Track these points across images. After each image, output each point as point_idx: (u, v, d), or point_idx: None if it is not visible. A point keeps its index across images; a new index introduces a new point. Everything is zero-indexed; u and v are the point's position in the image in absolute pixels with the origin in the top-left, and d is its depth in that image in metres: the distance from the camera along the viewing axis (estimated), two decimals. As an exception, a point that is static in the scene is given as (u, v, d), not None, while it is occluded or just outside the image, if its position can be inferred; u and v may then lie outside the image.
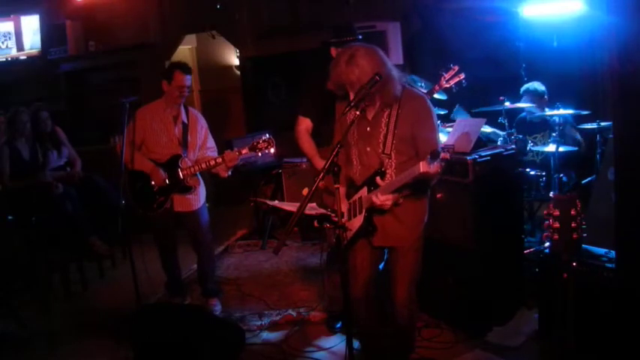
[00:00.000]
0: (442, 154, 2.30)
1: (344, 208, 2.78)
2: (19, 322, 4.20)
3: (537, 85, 4.75)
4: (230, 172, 3.99)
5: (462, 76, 3.99)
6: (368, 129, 2.73)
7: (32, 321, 4.25)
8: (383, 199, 2.56)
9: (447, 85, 4.01)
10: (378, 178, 2.64)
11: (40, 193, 5.14)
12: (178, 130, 4.02)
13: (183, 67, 3.95)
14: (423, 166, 2.35)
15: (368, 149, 2.73)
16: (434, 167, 2.31)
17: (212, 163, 3.91)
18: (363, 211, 2.69)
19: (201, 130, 4.13)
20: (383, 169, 2.67)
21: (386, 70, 2.57)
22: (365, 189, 2.70)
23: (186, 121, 4.05)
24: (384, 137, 2.68)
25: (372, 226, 2.72)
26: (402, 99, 2.66)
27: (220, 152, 4.03)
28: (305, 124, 3.66)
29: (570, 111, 4.26)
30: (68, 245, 5.11)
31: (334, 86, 2.65)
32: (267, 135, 3.84)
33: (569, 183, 4.48)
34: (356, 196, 2.75)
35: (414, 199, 2.73)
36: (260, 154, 3.87)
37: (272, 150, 3.83)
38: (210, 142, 4.19)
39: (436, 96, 4.23)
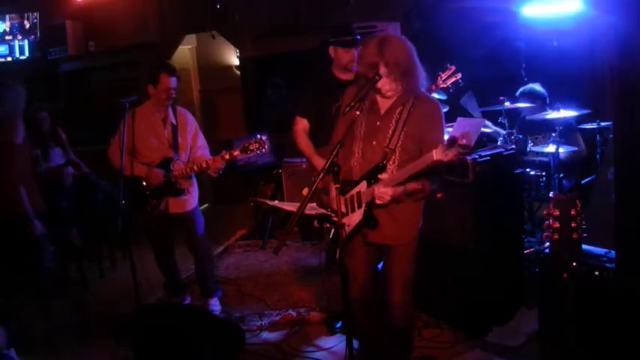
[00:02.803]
0: (459, 140, 2.23)
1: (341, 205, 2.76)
2: (19, 322, 4.19)
3: (535, 87, 4.74)
4: (221, 172, 3.95)
5: (459, 75, 3.99)
6: (378, 123, 2.72)
7: (32, 321, 4.25)
8: (383, 191, 2.56)
9: (444, 85, 4.01)
10: (381, 174, 2.63)
11: (40, 187, 5.10)
12: (168, 133, 4.01)
13: (169, 70, 3.93)
14: (436, 154, 2.34)
15: (374, 143, 2.72)
16: (449, 155, 2.29)
17: (204, 165, 3.89)
18: (363, 205, 2.68)
19: (191, 129, 4.11)
20: (384, 163, 2.66)
21: (416, 59, 2.62)
22: (364, 183, 2.68)
23: (174, 122, 4.04)
24: (392, 132, 2.67)
25: (373, 221, 2.70)
26: (417, 100, 2.67)
27: (219, 152, 4.02)
28: (302, 124, 3.66)
29: (574, 112, 4.25)
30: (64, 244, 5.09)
31: (365, 68, 2.63)
32: (259, 135, 3.80)
33: (570, 184, 4.48)
34: (354, 191, 2.74)
35: (412, 201, 2.73)
36: (252, 155, 3.83)
37: (264, 150, 3.80)
38: (201, 141, 4.16)
39: (436, 95, 4.23)
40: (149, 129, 3.98)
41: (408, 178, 2.53)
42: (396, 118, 2.68)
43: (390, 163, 2.67)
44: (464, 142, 2.23)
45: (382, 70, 2.58)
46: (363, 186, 2.69)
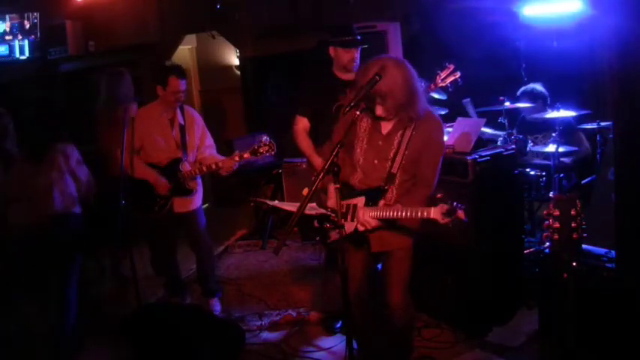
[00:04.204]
0: (459, 212, 2.31)
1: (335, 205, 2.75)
2: (19, 322, 4.19)
3: (536, 87, 4.74)
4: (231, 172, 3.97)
5: (458, 74, 3.98)
6: (380, 143, 2.72)
7: (32, 321, 4.25)
8: (367, 220, 2.60)
9: (443, 84, 4.00)
10: (381, 201, 2.65)
11: None
12: (176, 133, 3.99)
13: (178, 72, 3.90)
14: (434, 213, 2.38)
15: (375, 162, 2.73)
16: (445, 220, 2.35)
17: (213, 167, 3.89)
18: (355, 220, 2.68)
19: (198, 128, 4.10)
20: (386, 187, 2.68)
21: (416, 84, 2.58)
22: (363, 199, 2.68)
23: (182, 122, 4.03)
24: (394, 155, 2.68)
25: (361, 238, 2.71)
26: (420, 120, 2.65)
27: (220, 152, 4.01)
28: (302, 123, 3.66)
29: (573, 113, 4.25)
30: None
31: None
32: (268, 138, 3.79)
33: (570, 184, 4.48)
34: (351, 201, 2.73)
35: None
36: (261, 158, 3.85)
37: (273, 153, 3.81)
38: (209, 140, 4.16)
39: (435, 95, 4.22)
40: (156, 130, 3.97)
41: (398, 219, 2.55)
42: (398, 141, 2.68)
43: (391, 185, 2.69)
44: (463, 217, 2.33)
45: (377, 99, 2.56)
46: (361, 201, 2.69)
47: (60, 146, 3.95)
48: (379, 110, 2.59)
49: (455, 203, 2.36)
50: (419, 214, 2.46)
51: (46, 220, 3.70)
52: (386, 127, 2.72)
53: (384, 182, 2.68)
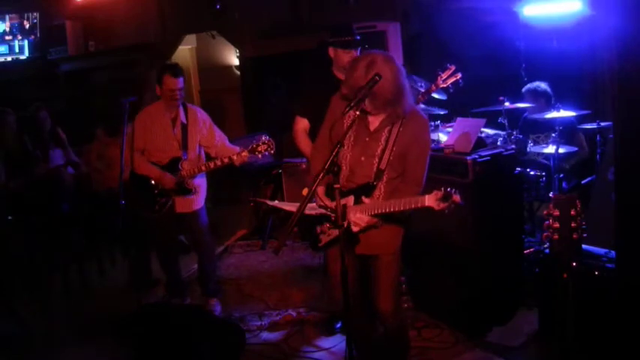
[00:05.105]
0: (454, 197, 2.29)
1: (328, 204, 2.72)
2: (19, 323, 4.20)
3: (539, 85, 4.73)
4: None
5: (459, 75, 3.98)
6: (367, 139, 2.70)
7: (32, 321, 4.25)
8: (359, 217, 2.57)
9: (444, 85, 4.00)
10: (364, 198, 2.62)
11: (40, 188, 5.13)
12: (177, 132, 3.99)
13: (173, 70, 3.88)
14: (429, 201, 2.35)
15: (362, 159, 2.70)
16: (441, 206, 2.33)
17: (226, 161, 3.86)
18: (347, 220, 2.65)
19: (204, 126, 4.08)
20: (374, 184, 2.66)
21: (403, 81, 2.56)
22: (352, 198, 2.67)
23: (185, 121, 4.03)
24: (382, 152, 2.65)
25: (352, 238, 2.68)
26: (406, 117, 2.64)
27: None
28: (302, 124, 3.66)
29: (573, 113, 4.26)
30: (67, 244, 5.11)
31: (350, 91, 2.56)
32: (267, 137, 3.79)
33: (570, 184, 4.48)
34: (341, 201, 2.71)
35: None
36: (260, 156, 3.84)
37: (272, 152, 3.79)
38: (219, 134, 4.12)
39: (436, 96, 4.22)
40: (158, 129, 3.96)
41: (392, 212, 2.52)
42: (386, 137, 2.65)
43: (379, 182, 2.67)
44: (458, 199, 2.30)
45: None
46: (350, 200, 2.67)
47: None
48: (365, 104, 2.56)
49: (449, 189, 2.34)
50: (412, 204, 2.43)
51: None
52: (373, 123, 2.69)
53: (372, 179, 2.66)
